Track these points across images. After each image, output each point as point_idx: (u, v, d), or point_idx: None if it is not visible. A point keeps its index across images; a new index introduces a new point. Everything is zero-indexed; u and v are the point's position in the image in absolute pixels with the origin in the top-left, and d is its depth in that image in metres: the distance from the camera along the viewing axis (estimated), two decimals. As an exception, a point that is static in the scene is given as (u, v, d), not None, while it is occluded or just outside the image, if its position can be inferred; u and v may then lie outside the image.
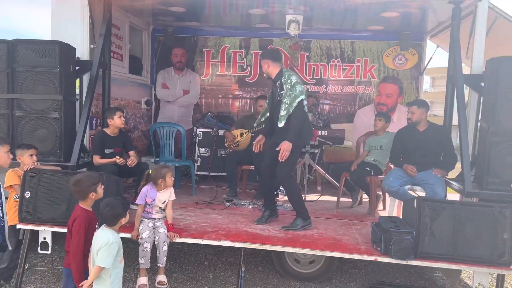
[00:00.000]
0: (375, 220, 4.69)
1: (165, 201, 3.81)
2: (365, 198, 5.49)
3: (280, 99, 4.06)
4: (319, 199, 5.48)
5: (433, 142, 4.40)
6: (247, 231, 3.94)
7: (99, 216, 3.02)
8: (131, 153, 4.75)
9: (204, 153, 6.38)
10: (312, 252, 3.57)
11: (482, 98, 4.33)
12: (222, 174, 6.40)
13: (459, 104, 4.22)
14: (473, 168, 4.24)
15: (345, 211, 5.09)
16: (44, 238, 3.87)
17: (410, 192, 4.40)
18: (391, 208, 4.52)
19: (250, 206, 4.97)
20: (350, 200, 5.36)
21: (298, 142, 4.04)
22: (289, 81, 4.04)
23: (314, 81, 6.91)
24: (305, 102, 4.02)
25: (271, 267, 4.55)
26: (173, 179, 3.83)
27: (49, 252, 3.92)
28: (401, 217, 4.11)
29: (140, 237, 3.61)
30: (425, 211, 3.47)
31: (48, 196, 3.80)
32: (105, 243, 2.81)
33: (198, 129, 6.35)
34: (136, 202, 3.77)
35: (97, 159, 4.41)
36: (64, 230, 3.71)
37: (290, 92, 3.98)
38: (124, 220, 3.02)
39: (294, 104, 3.98)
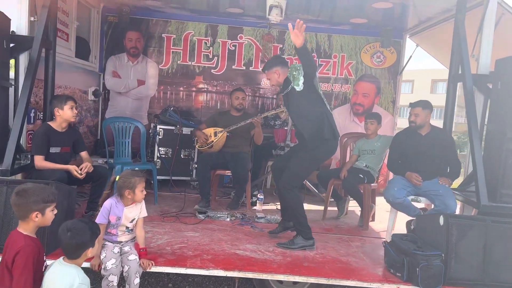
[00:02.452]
0: (368, 234, 4.22)
1: (133, 219, 2.97)
2: (350, 207, 4.98)
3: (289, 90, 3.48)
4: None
5: (437, 148, 3.96)
6: (237, 254, 3.20)
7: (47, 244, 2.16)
8: (83, 154, 3.81)
9: (164, 154, 5.51)
10: (323, 281, 2.92)
11: (489, 100, 3.97)
12: (186, 178, 5.61)
13: (468, 107, 3.79)
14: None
15: (333, 223, 4.52)
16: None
17: (414, 203, 3.91)
18: (390, 222, 4.00)
19: (228, 219, 4.22)
20: (332, 209, 4.80)
21: (315, 140, 3.41)
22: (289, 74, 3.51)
23: (288, 76, 6.27)
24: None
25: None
26: (144, 193, 2.97)
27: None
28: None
29: (103, 267, 2.74)
30: (453, 230, 2.97)
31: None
32: (69, 287, 1.96)
33: (158, 126, 5.47)
34: (96, 220, 2.87)
35: (40, 161, 3.41)
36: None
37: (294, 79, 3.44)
38: (90, 252, 2.18)
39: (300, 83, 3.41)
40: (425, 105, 3.98)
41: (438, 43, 5.91)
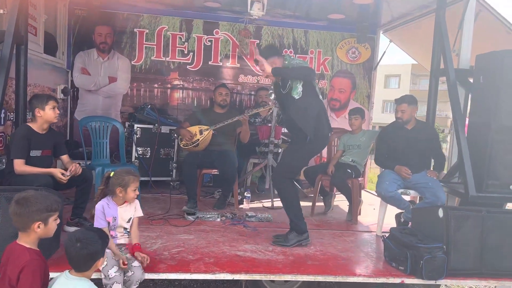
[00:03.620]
0: (359, 228, 4.25)
1: (130, 219, 2.84)
2: (335, 201, 5.01)
3: (286, 91, 3.39)
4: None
5: (423, 141, 4.04)
6: (239, 256, 3.11)
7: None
8: (64, 158, 3.56)
9: (142, 155, 5.30)
10: (330, 278, 2.90)
11: (470, 94, 4.11)
12: (166, 179, 5.43)
13: (452, 100, 3.90)
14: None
15: (322, 219, 4.52)
16: None
17: (404, 196, 3.97)
18: (381, 215, 4.04)
19: (219, 219, 4.10)
20: (317, 204, 4.80)
21: (317, 136, 3.37)
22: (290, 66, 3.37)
23: (265, 72, 6.20)
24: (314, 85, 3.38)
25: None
26: (137, 193, 2.84)
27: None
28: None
29: (105, 276, 2.57)
30: (451, 221, 3.03)
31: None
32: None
33: (135, 125, 5.24)
34: (96, 225, 2.71)
35: (21, 166, 3.14)
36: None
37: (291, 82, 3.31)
38: (101, 262, 2.01)
39: (299, 91, 3.33)
40: (411, 101, 4.04)
41: (411, 39, 6.05)
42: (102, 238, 2.02)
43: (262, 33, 6.17)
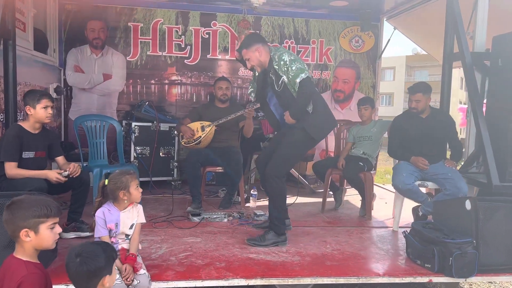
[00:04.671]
0: (374, 224, 4.03)
1: (132, 225, 2.59)
2: (345, 196, 4.79)
3: (281, 89, 3.17)
4: (294, 203, 4.54)
5: (439, 130, 3.82)
6: (251, 259, 2.88)
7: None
8: (60, 159, 3.30)
9: (141, 154, 5.04)
10: (353, 280, 2.67)
11: (487, 78, 3.89)
12: (167, 179, 5.19)
13: (469, 85, 3.68)
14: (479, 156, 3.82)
15: (334, 215, 4.30)
16: None
17: (421, 189, 3.75)
18: (397, 210, 3.82)
19: (226, 220, 3.87)
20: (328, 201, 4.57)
21: (311, 130, 3.14)
22: (281, 63, 3.11)
23: (266, 64, 5.96)
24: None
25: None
26: (140, 190, 2.61)
27: None
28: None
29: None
30: (480, 214, 2.81)
31: None
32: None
33: (133, 123, 4.99)
34: (97, 235, 2.49)
35: (13, 169, 2.89)
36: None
37: (289, 76, 3.09)
38: (108, 282, 1.75)
39: (296, 87, 3.09)
40: (425, 90, 3.80)
41: (417, 26, 5.83)
42: (106, 252, 1.75)
43: (261, 24, 5.93)
